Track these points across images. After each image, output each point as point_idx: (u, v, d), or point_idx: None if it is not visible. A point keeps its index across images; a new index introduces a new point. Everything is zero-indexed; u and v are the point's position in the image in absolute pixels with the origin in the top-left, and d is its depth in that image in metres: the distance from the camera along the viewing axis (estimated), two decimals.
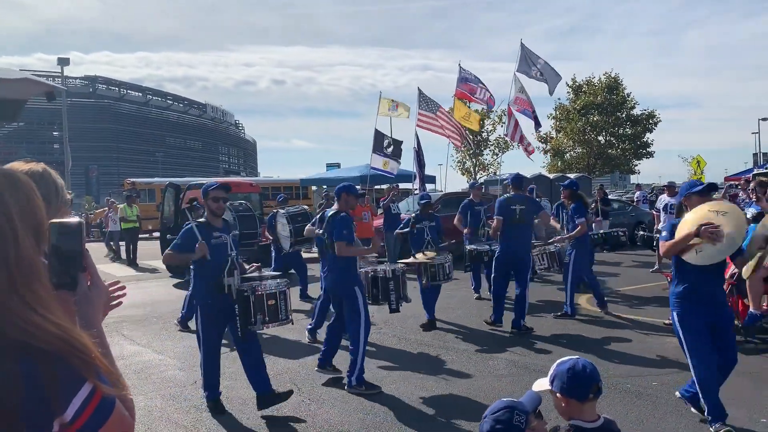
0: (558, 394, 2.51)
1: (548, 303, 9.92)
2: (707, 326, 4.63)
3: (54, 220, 1.40)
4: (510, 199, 8.19)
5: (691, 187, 5.03)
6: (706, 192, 4.86)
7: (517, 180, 8.46)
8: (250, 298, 5.19)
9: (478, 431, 2.30)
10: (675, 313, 4.75)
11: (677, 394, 5.07)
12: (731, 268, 7.33)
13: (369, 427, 4.96)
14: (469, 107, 17.44)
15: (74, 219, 1.45)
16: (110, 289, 1.74)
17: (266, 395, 5.32)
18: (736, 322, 7.31)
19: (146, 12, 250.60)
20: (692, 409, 4.93)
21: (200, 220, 5.49)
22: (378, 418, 5.16)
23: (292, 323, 5.68)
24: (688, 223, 4.60)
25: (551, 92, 15.73)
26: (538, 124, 16.36)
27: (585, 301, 9.97)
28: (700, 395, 4.62)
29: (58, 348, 1.18)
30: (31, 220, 1.29)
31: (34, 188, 1.34)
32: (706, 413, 4.64)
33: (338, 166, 29.76)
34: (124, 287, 1.84)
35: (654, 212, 14.04)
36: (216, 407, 5.38)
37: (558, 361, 2.58)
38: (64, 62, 30.62)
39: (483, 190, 12.46)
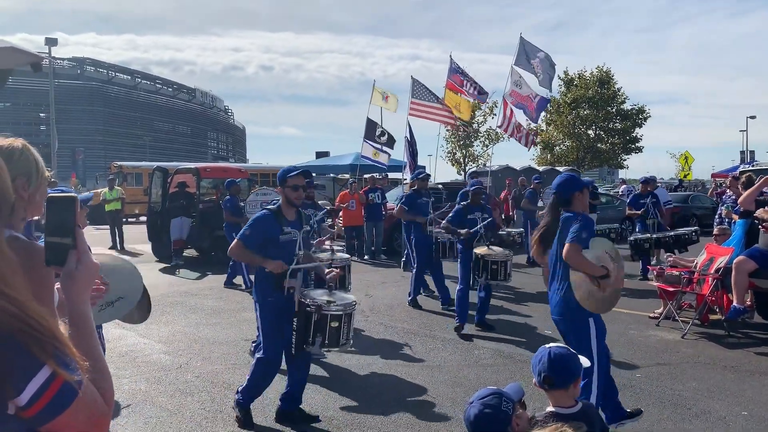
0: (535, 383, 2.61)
1: (540, 294, 9.98)
2: None
3: (50, 195, 1.37)
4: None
5: (578, 182, 4.53)
6: (596, 196, 4.59)
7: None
8: (313, 317, 4.45)
9: (464, 415, 2.31)
10: (592, 320, 4.31)
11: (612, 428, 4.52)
12: (717, 262, 7.41)
13: (352, 413, 4.96)
14: (460, 97, 17.39)
15: (69, 194, 1.41)
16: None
17: (289, 413, 4.84)
18: (720, 316, 7.42)
19: None
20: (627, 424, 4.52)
21: (271, 207, 4.81)
22: (361, 405, 5.17)
23: (352, 347, 5.04)
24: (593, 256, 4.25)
25: (547, 86, 15.71)
26: (534, 119, 16.34)
27: None
28: (601, 401, 4.34)
29: (10, 325, 1.11)
30: None
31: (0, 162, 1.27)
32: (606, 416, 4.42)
33: (327, 154, 29.64)
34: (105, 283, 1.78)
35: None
36: (245, 417, 4.76)
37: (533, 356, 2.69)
38: (51, 42, 30.24)
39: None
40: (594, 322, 4.32)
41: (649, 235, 10.52)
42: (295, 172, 4.75)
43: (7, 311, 1.12)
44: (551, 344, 2.68)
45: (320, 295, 4.58)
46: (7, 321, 1.11)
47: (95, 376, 1.24)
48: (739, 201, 6.89)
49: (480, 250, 7.50)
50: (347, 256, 7.65)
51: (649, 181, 11.90)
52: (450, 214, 8.16)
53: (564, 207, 4.41)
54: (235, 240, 4.73)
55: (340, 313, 4.49)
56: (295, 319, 4.53)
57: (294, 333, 4.54)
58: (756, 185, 7.34)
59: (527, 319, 8.23)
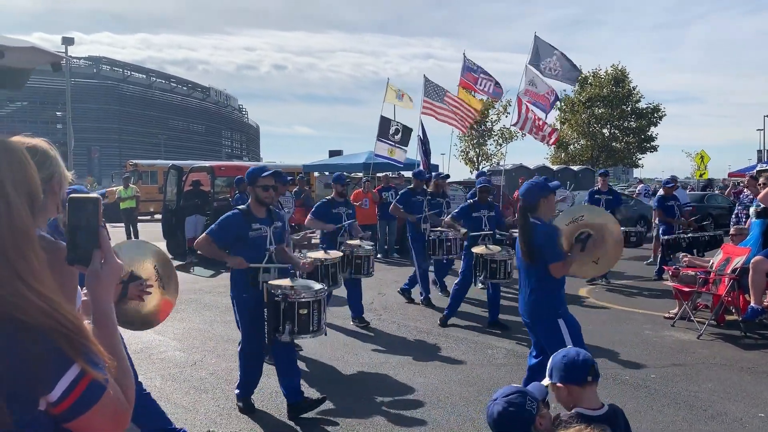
0: (558, 384, 2.51)
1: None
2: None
3: (72, 195, 1.39)
4: None
5: (546, 186, 4.46)
6: (554, 189, 4.48)
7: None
8: (281, 305, 4.65)
9: (487, 412, 2.30)
10: (562, 321, 4.30)
11: None
12: (733, 262, 7.34)
13: (366, 412, 4.97)
14: (473, 96, 17.33)
15: (92, 194, 1.44)
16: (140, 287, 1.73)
17: (297, 404, 4.91)
18: (736, 316, 7.34)
19: None
20: None
21: (241, 207, 5.04)
22: (375, 403, 5.18)
23: (326, 335, 5.09)
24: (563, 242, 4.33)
25: (572, 82, 15.57)
26: (547, 111, 16.17)
27: (586, 292, 9.98)
28: None
29: (43, 323, 1.14)
30: (25, 188, 1.25)
31: (26, 155, 1.30)
32: None
33: (341, 153, 29.69)
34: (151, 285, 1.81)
35: (653, 206, 13.99)
36: (246, 407, 4.99)
37: (551, 356, 2.60)
38: (68, 41, 30.45)
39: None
40: (564, 321, 4.30)
41: (682, 233, 10.27)
42: (266, 173, 4.97)
43: (42, 310, 1.15)
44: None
45: (287, 284, 4.73)
46: (41, 319, 1.14)
47: (118, 374, 1.28)
48: (759, 198, 6.89)
49: (478, 250, 7.56)
50: (370, 245, 7.84)
51: (674, 183, 11.88)
52: (455, 211, 8.26)
53: (531, 213, 4.38)
54: (203, 234, 5.02)
55: (308, 300, 4.67)
56: (265, 310, 4.72)
57: (265, 323, 4.72)
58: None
59: None
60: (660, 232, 11.02)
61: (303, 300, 4.66)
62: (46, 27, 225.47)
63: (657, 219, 12.34)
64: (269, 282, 4.79)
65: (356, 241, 7.60)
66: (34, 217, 1.29)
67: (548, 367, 2.62)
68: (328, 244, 7.40)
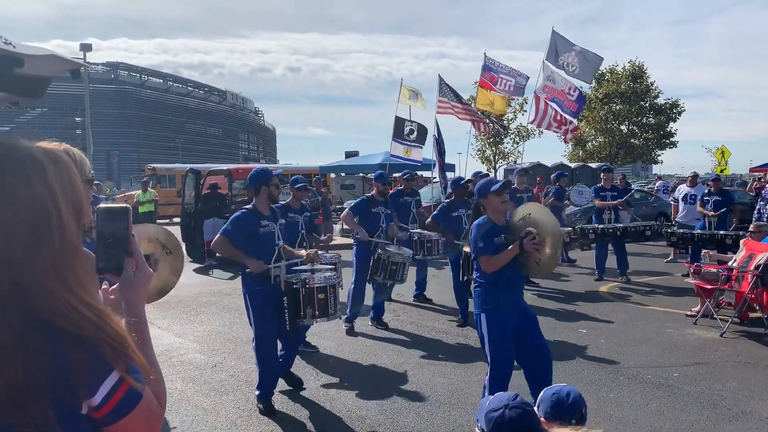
0: (542, 418, 2.51)
1: (571, 294, 9.87)
2: (512, 332, 4.41)
3: (101, 205, 1.42)
4: None
5: (488, 185, 4.53)
6: (502, 190, 4.46)
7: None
8: (300, 291, 5.00)
9: (493, 420, 2.21)
10: (484, 317, 4.41)
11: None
12: (756, 259, 7.23)
13: (387, 413, 4.97)
14: (493, 95, 17.25)
15: (122, 204, 1.47)
16: None
17: (284, 375, 5.51)
18: (760, 313, 7.23)
19: None
20: None
21: (248, 206, 5.25)
22: (396, 404, 5.17)
23: (340, 318, 5.60)
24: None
25: (588, 79, 15.43)
26: (575, 113, 16.01)
27: (607, 290, 9.89)
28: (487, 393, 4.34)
29: (89, 333, 1.18)
30: (72, 199, 1.27)
31: (73, 166, 1.32)
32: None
33: (357, 154, 29.72)
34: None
35: (672, 202, 13.81)
36: (267, 408, 5.05)
37: (493, 396, 2.39)
38: (86, 48, 30.84)
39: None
40: (485, 317, 4.40)
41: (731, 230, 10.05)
42: (277, 172, 5.52)
43: (89, 320, 1.19)
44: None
45: (302, 272, 5.13)
46: (88, 329, 1.18)
47: (152, 380, 1.32)
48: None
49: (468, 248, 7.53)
50: (409, 252, 7.77)
51: (695, 177, 12.29)
52: (435, 212, 8.32)
53: (484, 210, 4.54)
54: (218, 235, 5.15)
55: (325, 284, 5.07)
56: (285, 299, 5.02)
57: (286, 312, 5.02)
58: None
59: (561, 319, 8.12)
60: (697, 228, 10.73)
61: (320, 285, 5.03)
62: (63, 34, 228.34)
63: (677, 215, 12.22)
64: (286, 273, 5.07)
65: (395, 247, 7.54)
66: (80, 228, 1.31)
67: (538, 397, 2.65)
68: (362, 243, 7.52)
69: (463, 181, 8.80)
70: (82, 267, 1.25)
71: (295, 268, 5.23)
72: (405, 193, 9.10)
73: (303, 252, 5.54)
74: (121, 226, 1.41)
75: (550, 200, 12.45)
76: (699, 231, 10.15)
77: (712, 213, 10.45)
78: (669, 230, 10.81)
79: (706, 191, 11.16)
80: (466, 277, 7.65)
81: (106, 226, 1.40)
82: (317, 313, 5.02)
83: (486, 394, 4.21)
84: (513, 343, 4.41)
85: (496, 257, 4.31)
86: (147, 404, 1.26)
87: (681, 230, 10.54)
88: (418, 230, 8.53)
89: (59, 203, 1.23)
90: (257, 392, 5.14)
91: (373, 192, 7.87)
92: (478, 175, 9.45)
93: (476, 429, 2.33)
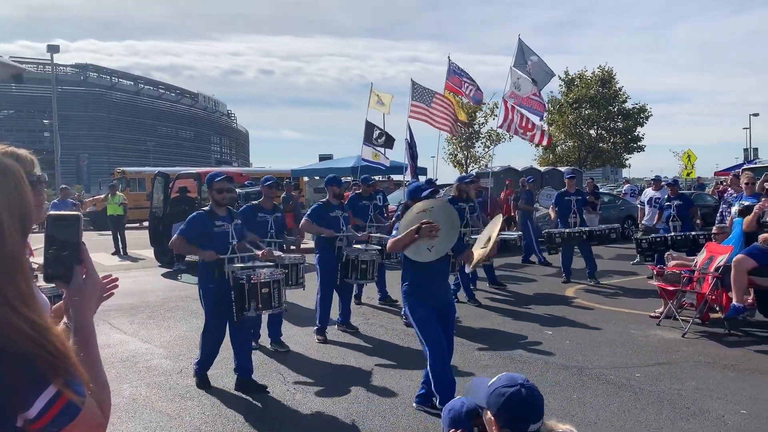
0: (491, 417, 2.06)
1: (539, 295, 9.98)
2: (436, 317, 4.89)
3: (51, 212, 1.40)
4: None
5: (417, 191, 5.24)
6: (429, 197, 5.02)
7: None
8: (245, 286, 5.41)
9: (504, 396, 1.88)
10: (407, 307, 4.96)
11: (414, 405, 5.08)
12: (716, 261, 7.40)
13: (353, 415, 4.98)
14: (459, 100, 17.38)
15: (72, 211, 1.46)
16: (104, 281, 1.74)
17: (244, 381, 5.67)
18: (720, 314, 7.40)
19: None
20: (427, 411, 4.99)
21: (205, 208, 5.79)
22: (362, 406, 5.18)
23: (286, 311, 6.08)
24: (405, 223, 4.79)
25: (539, 90, 15.64)
26: (542, 114, 16.16)
27: (573, 293, 10.03)
28: (433, 381, 4.81)
29: (25, 348, 1.16)
30: (18, 211, 1.25)
31: (23, 176, 1.29)
32: (438, 402, 4.75)
33: (331, 157, 29.68)
34: (116, 279, 1.82)
35: (639, 206, 14.07)
36: (201, 381, 5.73)
37: (500, 375, 2.09)
38: (53, 49, 30.37)
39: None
40: (410, 310, 4.92)
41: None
42: (220, 178, 5.70)
43: (27, 336, 1.17)
44: (520, 381, 2.06)
45: (248, 268, 5.57)
46: (23, 343, 1.16)
47: (96, 389, 1.30)
48: (744, 228, 7.22)
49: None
50: (376, 248, 7.94)
51: (658, 180, 12.76)
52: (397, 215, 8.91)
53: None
54: (176, 235, 5.67)
55: (269, 280, 5.50)
56: (232, 293, 5.45)
57: (233, 305, 5.46)
58: (753, 212, 7.42)
59: (527, 320, 8.22)
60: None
61: (264, 280, 5.47)
62: (30, 35, 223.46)
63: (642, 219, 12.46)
64: (233, 267, 5.49)
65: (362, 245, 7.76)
66: (25, 238, 1.28)
67: (490, 385, 2.10)
68: (325, 249, 7.47)
69: (467, 180, 9.64)
70: (26, 280, 1.23)
71: (240, 265, 5.62)
72: (363, 197, 9.39)
73: (259, 252, 5.92)
74: (71, 233, 1.39)
75: (520, 204, 12.61)
76: (673, 234, 10.19)
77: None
78: (637, 237, 10.92)
79: (665, 197, 11.40)
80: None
81: (57, 233, 1.38)
82: (260, 306, 5.47)
83: (431, 379, 4.76)
84: (437, 323, 4.86)
85: (397, 239, 4.74)
86: (88, 417, 1.25)
87: (651, 236, 10.47)
88: (378, 234, 8.61)
89: (2, 216, 1.21)
90: (195, 367, 5.80)
91: (328, 197, 7.68)
92: (464, 178, 9.95)
93: (446, 413, 2.28)
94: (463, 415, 2.25)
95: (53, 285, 1.48)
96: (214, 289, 5.54)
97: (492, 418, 2.05)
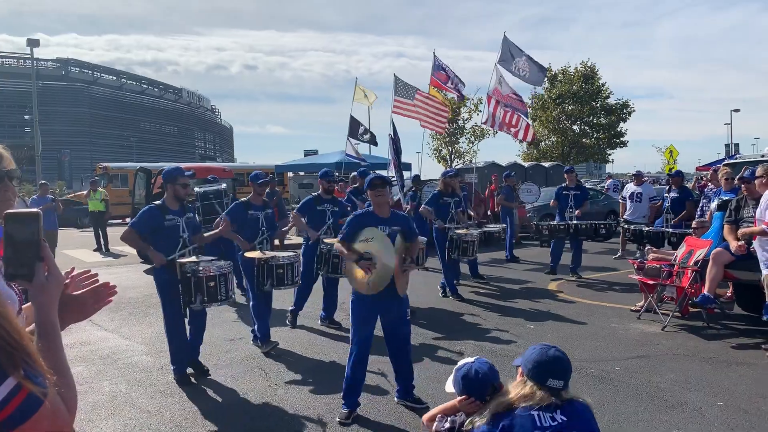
0: (461, 397, 2.65)
1: (524, 290, 10.03)
2: (376, 315, 4.99)
3: (9, 210, 1.38)
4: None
5: (368, 183, 5.05)
6: (374, 188, 4.91)
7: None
8: (192, 279, 5.53)
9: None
10: (351, 301, 4.99)
11: (395, 400, 5.17)
12: (695, 255, 7.48)
13: (334, 411, 4.98)
14: (444, 95, 17.39)
15: (32, 209, 1.43)
16: (81, 277, 1.72)
17: (195, 363, 5.98)
18: (700, 308, 7.47)
19: None
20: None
21: (156, 202, 5.89)
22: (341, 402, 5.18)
23: (234, 303, 6.50)
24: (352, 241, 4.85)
25: (539, 84, 15.76)
26: (526, 111, 16.32)
27: (556, 287, 10.09)
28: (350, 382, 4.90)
29: None
30: None
31: None
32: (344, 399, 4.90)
33: (316, 152, 29.61)
34: (114, 287, 1.80)
35: (620, 201, 14.18)
36: (182, 380, 5.74)
37: (456, 366, 2.71)
38: (33, 43, 29.99)
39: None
40: (353, 304, 4.96)
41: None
42: (183, 173, 5.92)
43: None
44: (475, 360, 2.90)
45: (195, 262, 5.63)
46: None
47: (61, 385, 1.29)
48: (732, 250, 6.81)
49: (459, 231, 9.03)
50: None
51: (639, 175, 12.93)
52: (426, 200, 9.34)
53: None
54: (127, 227, 5.85)
55: (215, 273, 5.59)
56: (180, 285, 5.58)
57: (181, 297, 5.60)
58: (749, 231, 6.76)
59: (510, 314, 8.26)
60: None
61: (210, 274, 5.55)
62: (10, 29, 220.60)
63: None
64: (179, 261, 5.60)
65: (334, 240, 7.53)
66: None
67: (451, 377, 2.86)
68: (309, 245, 7.73)
69: (449, 174, 9.95)
70: None
71: (188, 259, 5.69)
72: (361, 190, 9.55)
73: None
74: (31, 230, 1.37)
75: (498, 199, 12.71)
76: (672, 229, 10.22)
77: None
78: (630, 228, 10.88)
79: (667, 189, 11.58)
80: (453, 256, 9.17)
81: (17, 231, 1.36)
82: (206, 299, 5.55)
83: (348, 365, 4.90)
84: (373, 325, 4.99)
85: (341, 250, 4.94)
86: (50, 410, 1.23)
87: (648, 230, 10.47)
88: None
89: None
90: (173, 367, 5.81)
91: (320, 191, 7.91)
92: (448, 172, 10.21)
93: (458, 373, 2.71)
94: (481, 375, 2.71)
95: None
96: (167, 280, 5.66)
97: (520, 368, 2.56)
